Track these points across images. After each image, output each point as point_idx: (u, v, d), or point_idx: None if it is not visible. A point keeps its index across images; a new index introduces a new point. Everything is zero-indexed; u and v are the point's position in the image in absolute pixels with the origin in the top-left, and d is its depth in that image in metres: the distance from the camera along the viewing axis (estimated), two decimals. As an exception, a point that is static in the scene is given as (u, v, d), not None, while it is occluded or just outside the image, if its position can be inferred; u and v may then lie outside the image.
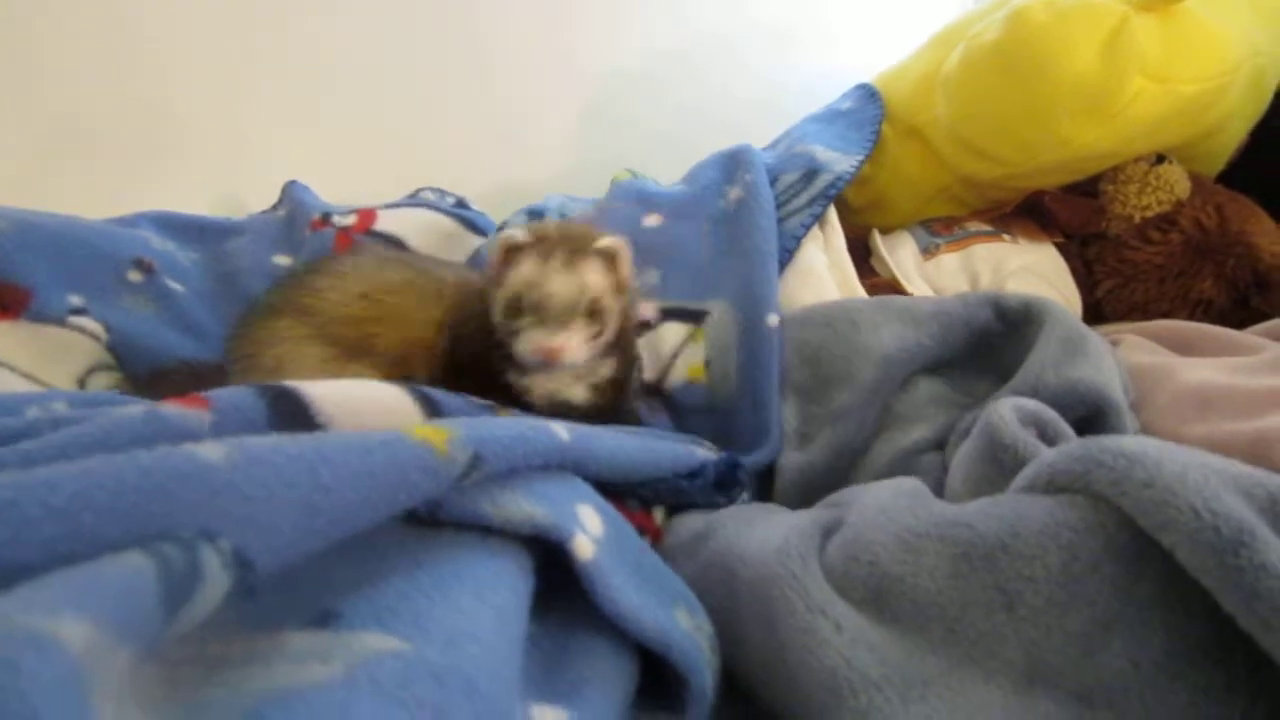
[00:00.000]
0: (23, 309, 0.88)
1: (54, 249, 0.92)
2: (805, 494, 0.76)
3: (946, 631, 0.42)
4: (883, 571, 0.45)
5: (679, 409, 0.87)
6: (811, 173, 1.02)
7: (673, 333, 0.89)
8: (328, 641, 0.35)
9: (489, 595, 0.40)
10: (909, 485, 0.53)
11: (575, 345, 0.70)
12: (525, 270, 0.71)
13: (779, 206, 0.96)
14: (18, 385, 0.85)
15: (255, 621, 0.36)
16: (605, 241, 0.74)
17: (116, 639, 0.26)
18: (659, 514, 0.66)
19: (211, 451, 0.35)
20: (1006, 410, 0.57)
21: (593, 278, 0.72)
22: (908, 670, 0.42)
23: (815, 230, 0.98)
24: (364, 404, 0.51)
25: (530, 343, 0.69)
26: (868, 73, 1.24)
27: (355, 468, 0.38)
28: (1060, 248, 1.05)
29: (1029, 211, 1.07)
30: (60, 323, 0.89)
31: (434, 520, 0.44)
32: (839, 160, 1.03)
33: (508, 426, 0.49)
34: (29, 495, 0.30)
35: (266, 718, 0.29)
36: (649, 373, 0.89)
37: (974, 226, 1.09)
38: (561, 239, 0.73)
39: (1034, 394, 0.67)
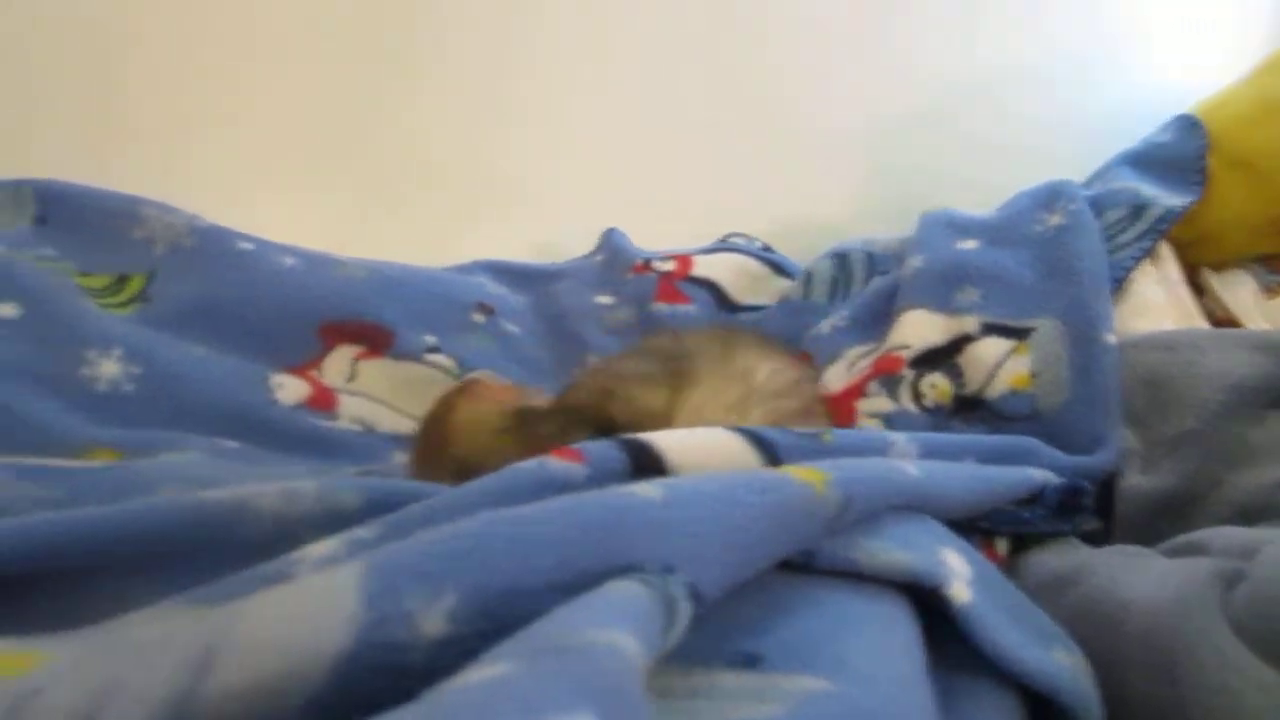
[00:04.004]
0: (387, 348, 1.00)
1: (410, 294, 1.04)
2: (1151, 523, 0.72)
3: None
4: (1309, 633, 0.42)
5: (1001, 417, 0.85)
6: (1139, 208, 0.97)
7: (994, 347, 0.88)
8: (759, 682, 0.37)
9: (892, 636, 0.42)
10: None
11: None
12: None
13: (1106, 241, 0.93)
14: (385, 416, 0.97)
15: (684, 658, 0.38)
16: None
17: (645, 657, 0.29)
18: (1002, 545, 0.66)
19: (650, 491, 0.38)
20: None
21: None
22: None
23: (1148, 265, 0.94)
24: (706, 452, 0.54)
25: None
26: (1178, 102, 1.16)
27: (760, 505, 0.40)
28: None
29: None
30: (418, 359, 1.00)
31: (806, 567, 0.46)
32: (1168, 196, 0.98)
33: (868, 467, 0.51)
34: (527, 530, 0.34)
35: None
36: (969, 386, 0.88)
37: (1326, 263, 0.99)
38: None
39: None
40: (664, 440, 0.52)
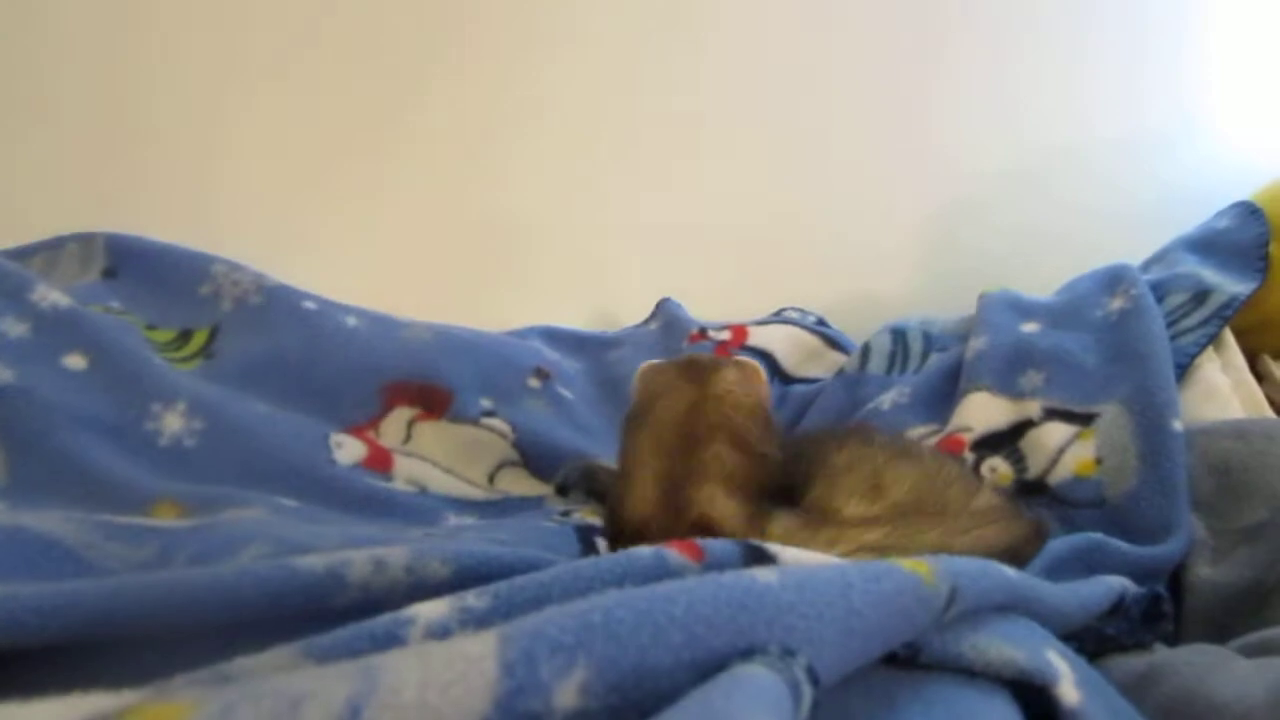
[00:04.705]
0: (444, 410, 1.00)
1: (470, 357, 1.04)
2: (1221, 617, 0.70)
3: None
4: None
5: (1066, 504, 0.84)
6: (1202, 294, 0.98)
7: (1056, 432, 0.88)
8: None
9: None
10: None
11: None
12: None
13: (1168, 326, 0.93)
14: (438, 478, 0.97)
15: None
16: None
17: None
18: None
19: (767, 575, 0.38)
20: None
21: None
22: None
23: (1210, 351, 0.94)
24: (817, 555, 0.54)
25: None
26: (1224, 186, 1.17)
27: (874, 592, 0.39)
28: None
29: None
30: (475, 423, 1.00)
31: (911, 662, 0.44)
32: (1230, 283, 0.99)
33: (969, 564, 0.50)
34: (656, 607, 0.34)
35: None
36: (1030, 470, 0.87)
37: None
38: None
39: None
40: (784, 552, 0.52)
